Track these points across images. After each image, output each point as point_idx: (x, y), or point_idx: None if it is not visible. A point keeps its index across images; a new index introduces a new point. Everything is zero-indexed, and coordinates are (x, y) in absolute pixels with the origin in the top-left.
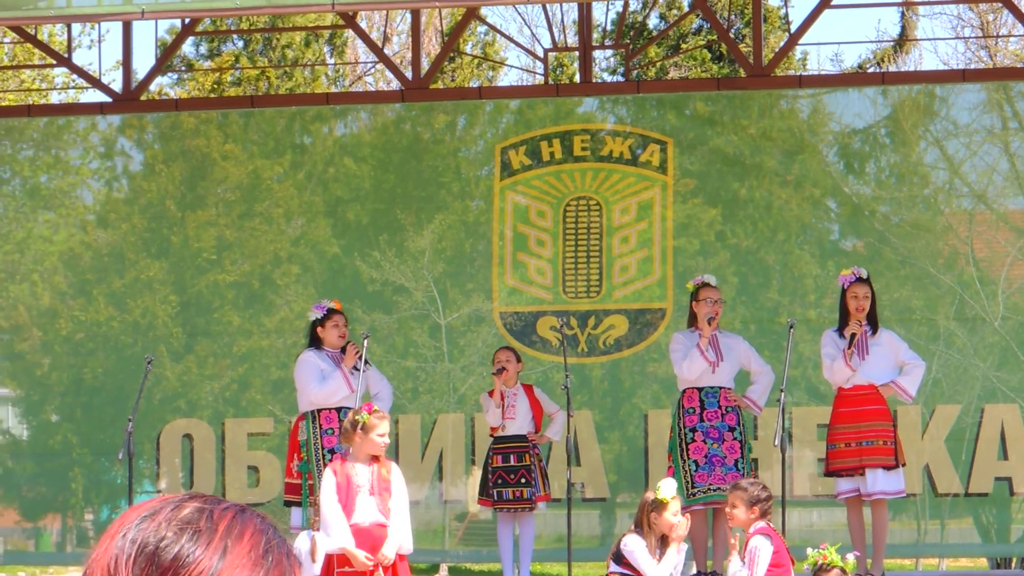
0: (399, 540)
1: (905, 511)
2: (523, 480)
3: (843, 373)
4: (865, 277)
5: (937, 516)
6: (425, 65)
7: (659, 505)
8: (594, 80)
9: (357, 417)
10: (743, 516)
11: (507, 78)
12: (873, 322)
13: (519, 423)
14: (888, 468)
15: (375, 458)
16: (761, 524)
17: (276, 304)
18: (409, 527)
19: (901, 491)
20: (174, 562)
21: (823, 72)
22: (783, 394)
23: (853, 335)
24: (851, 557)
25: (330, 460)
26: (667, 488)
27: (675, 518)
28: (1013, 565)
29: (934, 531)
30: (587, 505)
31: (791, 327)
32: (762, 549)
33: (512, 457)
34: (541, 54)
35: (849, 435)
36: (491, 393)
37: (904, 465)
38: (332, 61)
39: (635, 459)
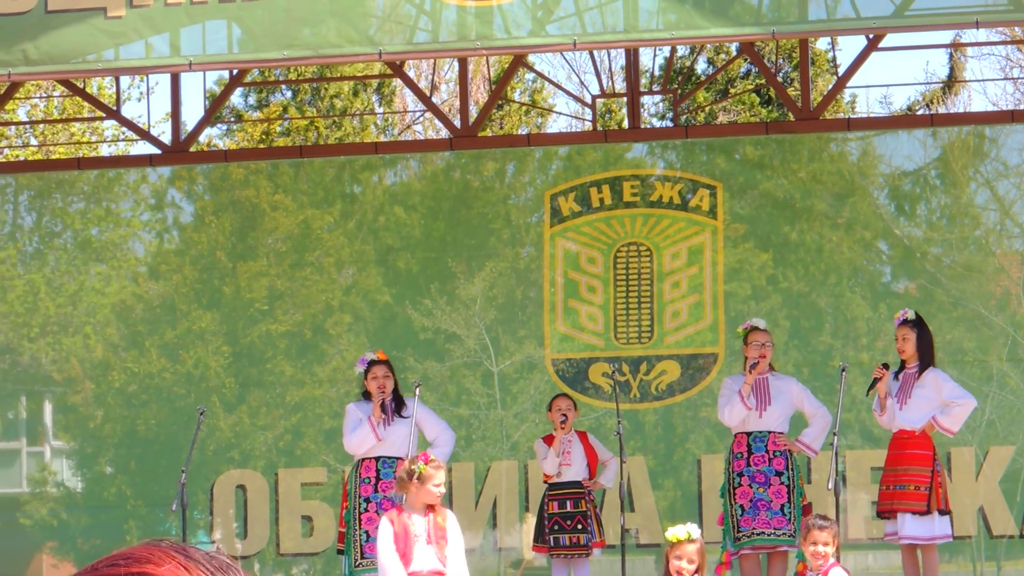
0: None
1: (961, 553)
2: (579, 526)
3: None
4: (910, 319)
5: (993, 558)
6: (473, 113)
7: (671, 545)
8: (642, 126)
9: (413, 467)
10: (832, 551)
11: (555, 125)
12: (925, 363)
13: (575, 469)
14: (918, 513)
15: (430, 507)
16: (833, 560)
17: (328, 354)
18: (467, 573)
19: (935, 537)
20: None
21: (872, 115)
22: (836, 437)
23: (874, 381)
24: None
25: (365, 510)
26: (679, 529)
27: (678, 563)
28: None
29: (990, 573)
30: (641, 551)
31: (843, 370)
32: None
33: (568, 503)
34: (589, 100)
35: (888, 478)
36: (547, 440)
37: (946, 511)
38: (380, 110)
39: (689, 504)
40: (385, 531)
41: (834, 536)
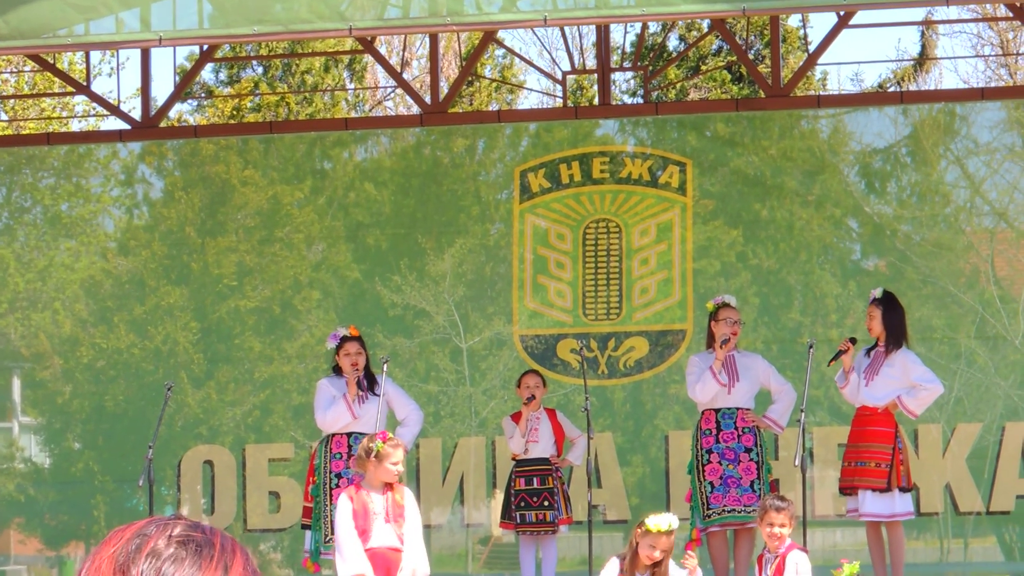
0: (414, 564)
1: (929, 530)
2: (546, 503)
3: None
4: (878, 298)
5: (960, 535)
6: (444, 89)
7: (647, 532)
8: (614, 102)
9: (371, 445)
10: (788, 532)
11: (526, 101)
12: (894, 342)
13: (542, 446)
14: (878, 491)
15: (388, 485)
16: (791, 540)
17: (297, 330)
18: (424, 551)
19: (895, 515)
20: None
21: (843, 92)
22: (803, 414)
23: (839, 352)
24: None
25: (336, 485)
26: (661, 520)
27: (651, 551)
28: None
29: (957, 550)
30: (609, 527)
31: (811, 347)
32: (803, 564)
33: (535, 480)
34: (559, 77)
35: (851, 455)
36: (514, 417)
37: (907, 489)
38: (352, 86)
39: (657, 481)
40: (344, 508)
41: (790, 517)
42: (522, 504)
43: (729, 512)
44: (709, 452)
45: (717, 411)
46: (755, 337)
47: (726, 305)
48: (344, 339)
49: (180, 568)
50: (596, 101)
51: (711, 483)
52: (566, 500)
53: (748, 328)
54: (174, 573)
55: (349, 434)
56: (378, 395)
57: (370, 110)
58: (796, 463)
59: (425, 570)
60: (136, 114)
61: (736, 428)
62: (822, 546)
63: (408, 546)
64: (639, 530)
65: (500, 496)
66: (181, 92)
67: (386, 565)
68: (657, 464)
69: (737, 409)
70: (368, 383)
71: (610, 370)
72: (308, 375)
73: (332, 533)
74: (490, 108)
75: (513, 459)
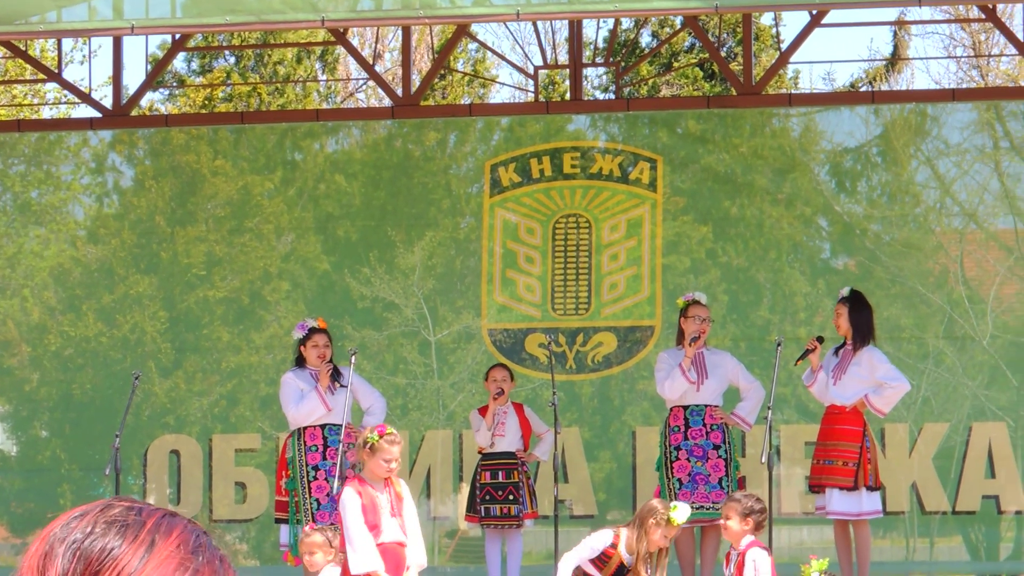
0: (419, 560)
1: (895, 529)
2: (511, 497)
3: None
4: (845, 296)
5: (926, 534)
6: (416, 82)
7: (666, 522)
8: (586, 98)
9: (368, 436)
10: (736, 528)
11: (499, 96)
12: (861, 340)
13: (508, 440)
14: (845, 489)
15: (386, 478)
16: (753, 538)
17: (266, 320)
18: (423, 543)
19: (862, 513)
20: (100, 554)
21: (815, 91)
22: (770, 412)
23: (806, 351)
24: None
25: (314, 478)
26: (682, 513)
27: (665, 540)
28: None
29: (923, 549)
30: (576, 522)
31: (779, 345)
32: (761, 562)
33: (500, 474)
34: (531, 71)
35: (819, 453)
36: (482, 411)
37: (875, 488)
38: (324, 78)
39: (625, 477)
40: (353, 502)
41: (739, 514)
42: (487, 498)
43: (697, 509)
44: (677, 449)
45: (686, 408)
46: (724, 334)
47: (696, 302)
48: (312, 330)
49: (101, 541)
50: (568, 97)
51: (679, 480)
52: (531, 495)
53: (717, 325)
54: (93, 546)
55: (323, 426)
56: (345, 387)
57: (342, 102)
58: (763, 460)
59: (423, 562)
60: (108, 102)
61: (704, 425)
62: (789, 543)
63: (411, 540)
64: (652, 520)
65: (467, 490)
66: (152, 81)
67: (395, 560)
68: (624, 460)
69: (706, 406)
70: (334, 375)
71: (578, 365)
72: (276, 366)
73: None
74: (463, 102)
75: (480, 453)
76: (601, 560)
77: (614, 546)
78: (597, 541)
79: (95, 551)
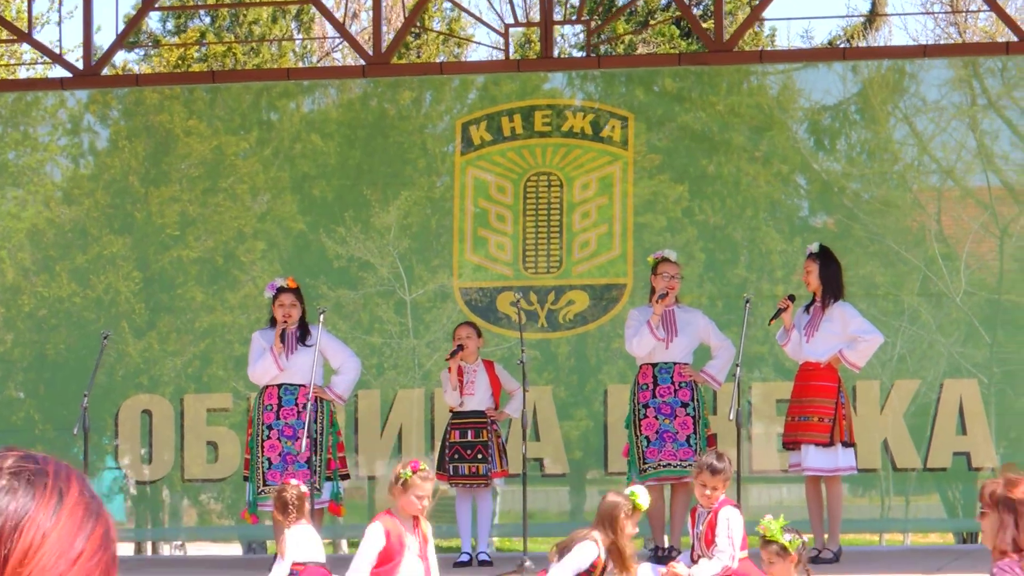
0: None
1: (873, 487)
2: (480, 456)
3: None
4: (814, 252)
5: (902, 492)
6: (390, 41)
7: (633, 510)
8: (562, 56)
9: (401, 472)
10: (721, 495)
11: (476, 54)
12: (832, 296)
13: (478, 399)
14: (821, 445)
15: (415, 518)
16: (724, 496)
17: (240, 280)
18: None
19: (838, 469)
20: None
21: (788, 49)
22: (739, 369)
23: (779, 310)
24: (799, 538)
25: (267, 437)
26: (644, 497)
27: (635, 528)
28: (979, 540)
29: (898, 507)
30: (556, 481)
31: (747, 302)
32: (734, 520)
33: (470, 433)
34: (503, 29)
35: (794, 410)
36: (452, 371)
37: (849, 444)
38: (299, 37)
39: (600, 435)
40: (377, 539)
41: (724, 481)
42: (456, 456)
43: (665, 466)
44: (646, 407)
45: (654, 366)
46: (700, 293)
47: (666, 260)
48: (280, 290)
49: (14, 499)
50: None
51: (647, 437)
52: (501, 453)
53: (693, 284)
54: (7, 505)
55: (279, 386)
56: (310, 347)
57: (318, 62)
58: (731, 418)
59: None
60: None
61: (673, 383)
62: (769, 502)
63: None
64: (622, 515)
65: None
66: (123, 39)
67: None
68: (600, 418)
69: (674, 364)
70: (301, 335)
71: (550, 323)
72: (250, 326)
73: (265, 485)
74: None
75: (451, 411)
76: (588, 573)
77: (600, 556)
78: (583, 558)
79: (9, 511)
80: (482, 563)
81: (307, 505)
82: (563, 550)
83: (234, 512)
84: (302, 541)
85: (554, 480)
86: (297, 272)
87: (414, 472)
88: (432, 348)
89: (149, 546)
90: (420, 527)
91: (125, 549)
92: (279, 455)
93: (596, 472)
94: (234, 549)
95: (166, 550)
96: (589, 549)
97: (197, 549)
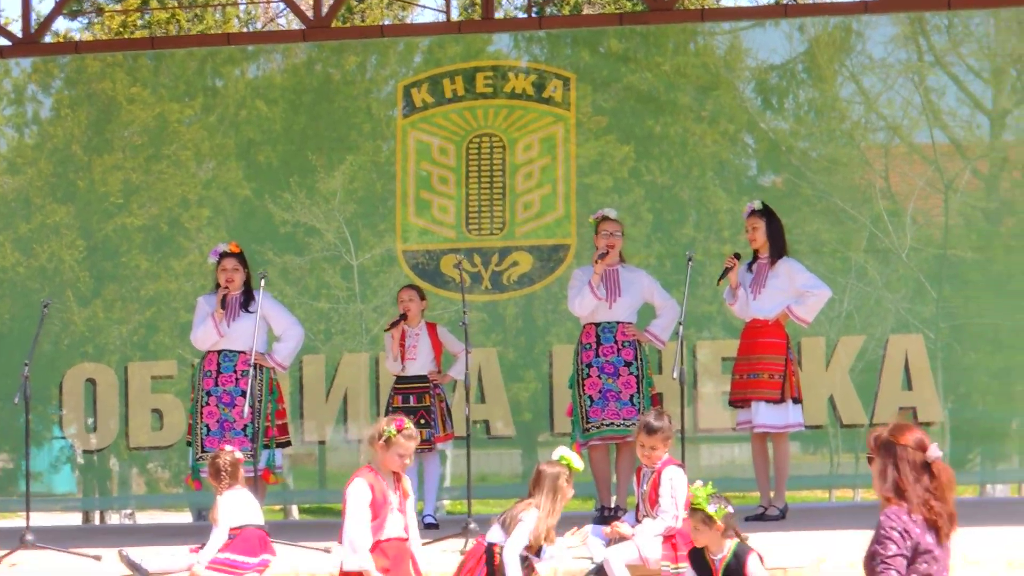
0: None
1: (824, 444)
2: (423, 421)
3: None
4: (758, 209)
5: (851, 449)
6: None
7: (569, 474)
8: (507, 17)
9: (384, 429)
10: (663, 455)
11: (423, 17)
12: (777, 253)
13: (420, 363)
14: (772, 402)
15: (395, 473)
16: (667, 455)
17: (185, 247)
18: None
19: (789, 425)
20: None
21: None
22: (681, 328)
23: (725, 270)
24: (726, 507)
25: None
26: (576, 458)
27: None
28: None
29: (848, 463)
30: (505, 444)
31: (690, 260)
32: (678, 480)
33: (412, 398)
34: None
35: (742, 367)
36: (395, 334)
37: (798, 400)
38: (243, 2)
39: (547, 397)
40: (363, 495)
41: (663, 440)
42: None
43: (608, 426)
44: (589, 366)
45: (597, 325)
46: (648, 253)
47: (606, 218)
48: (223, 255)
49: None
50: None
51: (590, 397)
52: (445, 417)
53: (641, 244)
54: None
55: (219, 352)
56: (253, 313)
57: (264, 27)
58: (674, 376)
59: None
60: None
61: (616, 342)
62: (720, 461)
63: (413, 537)
64: (562, 480)
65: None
66: (63, 6)
67: (398, 556)
68: (548, 380)
69: (617, 323)
70: (245, 300)
71: (495, 285)
72: (196, 292)
73: (203, 451)
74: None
75: (394, 376)
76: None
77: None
78: (534, 526)
79: None
80: (428, 526)
81: (241, 471)
82: (506, 523)
83: (181, 480)
84: (237, 506)
85: (503, 443)
86: (243, 238)
87: (399, 431)
88: (379, 312)
89: (97, 515)
90: (401, 483)
91: (73, 519)
92: (217, 421)
93: (547, 435)
94: (184, 517)
95: (115, 519)
96: (535, 517)
97: (148, 518)
